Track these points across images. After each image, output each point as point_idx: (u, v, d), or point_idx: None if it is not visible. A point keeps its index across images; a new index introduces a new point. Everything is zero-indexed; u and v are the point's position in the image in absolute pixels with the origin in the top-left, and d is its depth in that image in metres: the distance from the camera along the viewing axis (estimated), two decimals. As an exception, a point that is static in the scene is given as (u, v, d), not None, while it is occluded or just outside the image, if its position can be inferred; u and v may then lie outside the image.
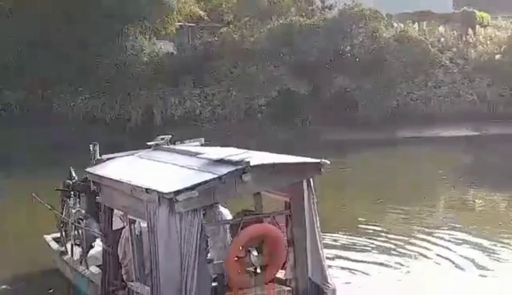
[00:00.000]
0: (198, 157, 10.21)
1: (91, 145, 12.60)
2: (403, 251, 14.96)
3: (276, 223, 10.27)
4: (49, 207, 14.17)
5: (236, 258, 9.88)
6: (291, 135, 32.42)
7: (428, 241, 15.60)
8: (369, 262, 14.21)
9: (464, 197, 21.43)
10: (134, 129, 32.61)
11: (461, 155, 29.97)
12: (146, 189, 9.54)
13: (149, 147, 12.29)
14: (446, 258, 14.33)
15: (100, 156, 12.40)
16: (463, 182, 23.76)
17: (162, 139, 12.43)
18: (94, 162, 12.32)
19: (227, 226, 10.31)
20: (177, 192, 9.09)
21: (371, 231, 16.67)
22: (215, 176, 9.27)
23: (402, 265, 14.09)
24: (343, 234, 16.22)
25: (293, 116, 34.11)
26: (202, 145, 12.61)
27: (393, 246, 15.30)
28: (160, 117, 33.79)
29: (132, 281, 10.67)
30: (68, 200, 13.89)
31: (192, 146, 12.25)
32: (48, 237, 14.67)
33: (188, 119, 33.75)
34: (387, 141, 31.48)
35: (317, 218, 10.05)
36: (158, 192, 9.26)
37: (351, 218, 18.39)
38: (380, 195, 21.24)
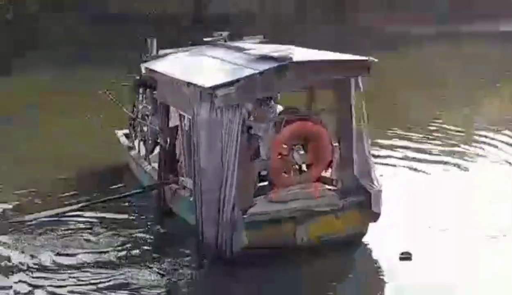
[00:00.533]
0: (244, 53, 10.09)
1: (148, 40, 12.53)
2: (462, 150, 14.63)
3: (321, 122, 10.11)
4: (117, 102, 14.37)
5: (280, 156, 9.81)
6: (353, 30, 31.69)
7: (492, 139, 15.28)
8: (425, 161, 13.93)
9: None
10: (188, 26, 31.65)
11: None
12: (188, 83, 9.54)
13: (206, 43, 12.24)
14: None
15: (157, 51, 12.37)
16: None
17: (220, 35, 12.33)
18: (151, 57, 12.32)
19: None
20: (216, 87, 9.05)
21: (431, 128, 16.42)
22: (256, 71, 9.16)
23: (460, 162, 13.78)
24: (400, 131, 16.06)
25: (350, 11, 33.15)
26: (260, 42, 12.45)
27: (452, 145, 15.01)
28: (215, 13, 32.97)
29: (183, 176, 10.83)
30: (138, 96, 14.03)
31: (248, 43, 12.11)
32: (120, 133, 14.91)
33: (245, 16, 32.87)
34: (451, 35, 30.66)
35: (366, 118, 9.80)
36: (199, 86, 9.22)
37: (410, 114, 18.10)
38: (442, 92, 20.83)
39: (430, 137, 15.84)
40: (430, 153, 14.58)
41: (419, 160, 14.04)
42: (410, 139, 15.69)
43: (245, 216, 9.29)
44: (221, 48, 11.43)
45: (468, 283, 8.92)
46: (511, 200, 11.55)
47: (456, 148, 14.87)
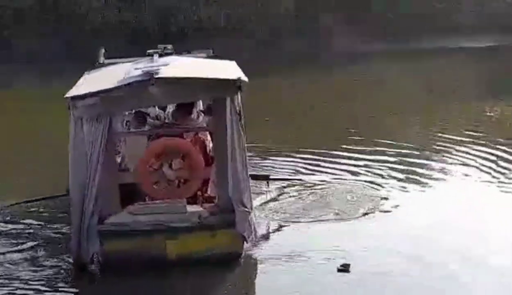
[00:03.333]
0: (138, 68, 10.17)
1: (98, 49, 12.88)
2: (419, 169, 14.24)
3: (199, 139, 10.10)
4: None
5: (152, 170, 9.93)
6: (305, 46, 31.44)
7: (450, 153, 15.12)
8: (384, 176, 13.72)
9: (480, 109, 20.40)
10: (150, 37, 31.13)
11: (487, 66, 28.21)
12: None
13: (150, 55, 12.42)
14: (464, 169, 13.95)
15: (103, 61, 12.66)
16: (481, 94, 22.88)
17: (164, 48, 12.48)
18: (97, 66, 12.65)
19: None
20: (75, 98, 9.29)
21: (385, 143, 16.12)
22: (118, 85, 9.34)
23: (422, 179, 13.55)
24: (356, 148, 15.82)
25: (307, 25, 32.80)
26: (208, 56, 12.56)
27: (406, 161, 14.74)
28: (176, 25, 32.72)
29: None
30: None
31: (195, 56, 12.26)
32: None
33: (207, 28, 32.63)
34: (408, 52, 30.03)
35: (243, 138, 9.67)
36: (67, 97, 9.50)
37: (365, 131, 17.77)
38: (396, 106, 20.76)
39: (380, 153, 15.55)
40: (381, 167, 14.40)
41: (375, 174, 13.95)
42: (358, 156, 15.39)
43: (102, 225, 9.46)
44: (143, 61, 11.55)
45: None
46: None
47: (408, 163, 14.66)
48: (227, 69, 10.52)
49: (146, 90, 9.26)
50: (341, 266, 9.51)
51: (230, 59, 11.74)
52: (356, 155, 15.22)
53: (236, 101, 9.57)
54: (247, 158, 9.90)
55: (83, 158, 9.40)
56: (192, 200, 10.14)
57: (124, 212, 9.64)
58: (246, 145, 9.88)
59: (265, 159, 15.15)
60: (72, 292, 9.43)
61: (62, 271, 9.78)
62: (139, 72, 9.64)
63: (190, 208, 9.71)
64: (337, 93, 24.08)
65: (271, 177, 12.61)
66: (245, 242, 9.83)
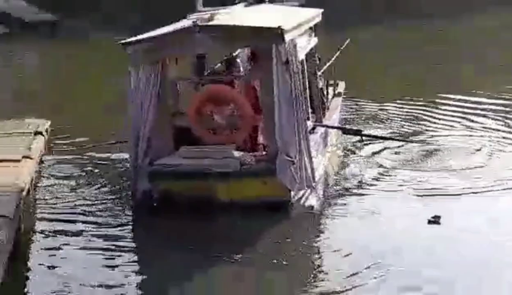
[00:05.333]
0: (192, 18, 10.47)
1: None
2: None
3: (250, 86, 10.21)
4: None
5: (203, 115, 10.22)
6: None
7: None
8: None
9: None
10: None
11: None
12: None
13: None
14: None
15: (199, 9, 13.08)
16: None
17: None
18: (194, 13, 13.05)
19: None
20: (126, 44, 9.79)
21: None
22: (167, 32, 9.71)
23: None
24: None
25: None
26: (300, 5, 12.63)
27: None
28: None
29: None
30: None
31: (288, 5, 12.40)
32: None
33: None
34: None
35: (291, 87, 9.57)
36: (119, 43, 10.01)
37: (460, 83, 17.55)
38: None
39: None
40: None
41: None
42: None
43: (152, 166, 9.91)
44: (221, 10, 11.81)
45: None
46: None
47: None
48: (295, 18, 10.50)
49: (192, 38, 9.58)
50: (432, 217, 9.48)
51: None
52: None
53: (282, 49, 9.58)
54: (301, 106, 9.82)
55: (138, 101, 9.89)
56: (254, 148, 10.41)
57: (175, 155, 10.06)
58: (298, 93, 9.79)
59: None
60: (126, 228, 9.89)
61: (120, 207, 10.37)
62: (192, 20, 9.98)
63: (237, 154, 9.93)
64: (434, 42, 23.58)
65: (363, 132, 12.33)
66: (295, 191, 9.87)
